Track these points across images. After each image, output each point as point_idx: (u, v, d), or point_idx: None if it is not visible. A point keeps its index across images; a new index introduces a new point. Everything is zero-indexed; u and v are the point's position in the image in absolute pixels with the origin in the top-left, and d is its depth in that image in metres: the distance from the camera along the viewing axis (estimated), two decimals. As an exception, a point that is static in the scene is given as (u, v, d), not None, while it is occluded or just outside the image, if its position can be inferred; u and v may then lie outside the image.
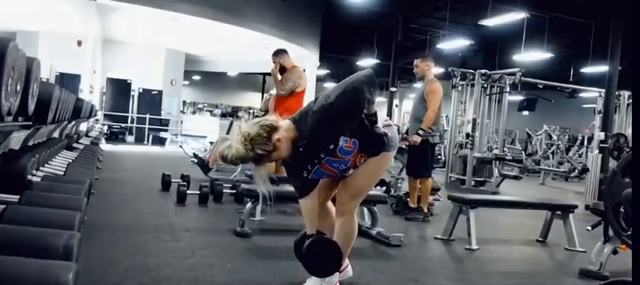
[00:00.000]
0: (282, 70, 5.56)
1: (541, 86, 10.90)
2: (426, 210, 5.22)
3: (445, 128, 14.89)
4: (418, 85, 5.59)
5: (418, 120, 5.20)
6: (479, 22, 14.04)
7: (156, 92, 16.31)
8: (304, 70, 5.80)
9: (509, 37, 15.15)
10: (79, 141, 7.43)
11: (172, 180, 5.73)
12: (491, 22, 13.24)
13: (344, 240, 2.56)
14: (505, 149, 12.71)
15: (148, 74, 16.32)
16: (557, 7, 13.26)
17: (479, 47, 17.78)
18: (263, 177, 2.34)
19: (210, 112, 28.41)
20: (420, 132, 5.08)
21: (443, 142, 8.61)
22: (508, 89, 9.79)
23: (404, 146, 5.39)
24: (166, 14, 12.12)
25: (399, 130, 5.54)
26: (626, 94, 10.33)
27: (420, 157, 5.21)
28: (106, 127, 14.35)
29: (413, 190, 5.29)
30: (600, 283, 3.21)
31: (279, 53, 5.61)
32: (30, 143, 4.19)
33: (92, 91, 12.61)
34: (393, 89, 19.30)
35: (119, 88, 15.78)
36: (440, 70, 17.83)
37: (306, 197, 2.50)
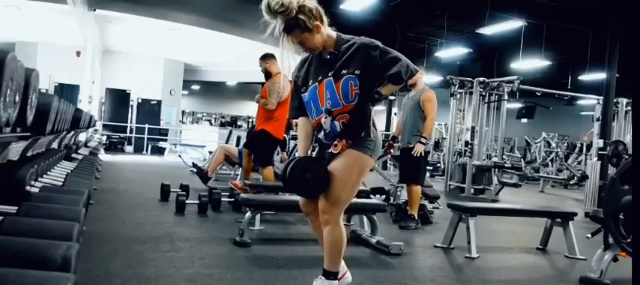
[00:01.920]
0: (267, 75, 5.59)
1: (539, 94, 10.93)
2: (416, 216, 5.20)
3: (443, 136, 14.96)
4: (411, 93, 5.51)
5: (415, 129, 5.19)
6: (477, 31, 14.11)
7: (155, 102, 16.33)
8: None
9: (507, 45, 15.22)
10: (78, 151, 7.42)
11: (171, 190, 5.72)
12: (488, 30, 13.31)
13: (333, 247, 2.53)
14: (504, 157, 12.72)
15: (147, 84, 16.35)
16: (554, 15, 13.32)
17: (477, 55, 17.86)
18: (288, 48, 2.41)
19: (209, 121, 28.44)
20: (423, 140, 5.08)
21: (442, 149, 8.62)
22: (506, 97, 9.82)
23: (397, 154, 5.40)
24: (165, 24, 12.17)
25: (395, 139, 5.50)
26: (624, 101, 10.36)
27: (416, 164, 5.20)
28: (104, 137, 14.35)
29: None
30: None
31: (266, 57, 5.63)
32: (28, 154, 4.19)
33: (91, 102, 12.62)
34: (391, 97, 19.33)
35: (118, 99, 15.79)
36: (438, 78, 17.92)
37: (301, 118, 2.62)
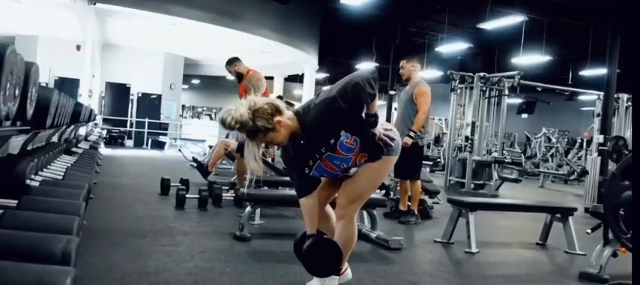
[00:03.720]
0: (239, 76, 5.61)
1: (540, 89, 10.90)
2: (416, 212, 5.21)
3: (444, 131, 14.94)
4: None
5: (408, 122, 5.15)
6: (477, 26, 14.08)
7: (155, 96, 16.32)
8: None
9: (507, 41, 15.19)
10: (78, 145, 7.43)
11: (171, 184, 5.73)
12: (489, 25, 13.28)
13: (344, 244, 2.56)
14: (504, 152, 12.72)
15: (147, 78, 16.34)
16: (555, 10, 13.29)
17: (478, 50, 17.82)
18: (254, 154, 2.34)
19: (210, 116, 28.40)
20: (412, 134, 5.04)
21: (442, 144, 8.59)
22: (507, 92, 9.80)
23: None
24: (165, 19, 12.14)
25: None
26: (624, 96, 10.34)
27: (410, 159, 5.14)
28: (105, 132, 14.35)
29: (404, 192, 5.28)
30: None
31: (231, 62, 5.68)
32: (28, 148, 4.18)
33: (91, 96, 12.61)
34: (392, 92, 19.33)
35: (118, 93, 15.79)
36: (439, 73, 17.88)
37: (306, 196, 2.51)
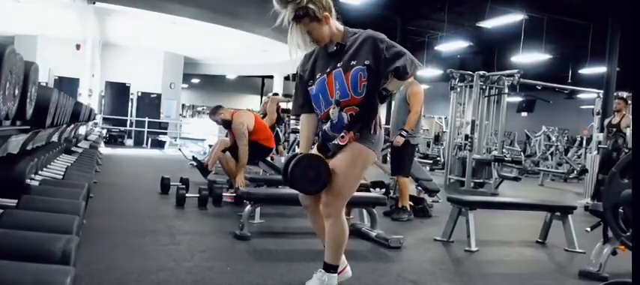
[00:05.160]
0: (226, 123, 5.63)
1: (539, 87, 10.90)
2: (408, 207, 5.24)
3: (444, 130, 14.92)
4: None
5: (400, 122, 5.22)
6: (477, 24, 14.06)
7: (155, 95, 16.31)
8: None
9: (507, 39, 15.17)
10: (78, 145, 7.42)
11: (171, 183, 5.73)
12: (489, 23, 13.27)
13: (335, 241, 2.55)
14: (504, 150, 12.71)
15: (147, 77, 16.33)
16: (555, 8, 13.29)
17: (477, 49, 17.79)
18: (296, 43, 2.42)
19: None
20: (404, 133, 5.09)
21: (442, 143, 8.59)
22: (507, 90, 9.79)
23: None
24: (165, 18, 12.14)
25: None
26: (624, 94, 10.33)
27: (400, 157, 5.24)
28: (104, 131, 14.35)
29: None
30: (600, 284, 3.21)
31: (215, 111, 5.77)
32: (28, 147, 4.18)
33: (91, 95, 12.62)
34: (392, 91, 19.32)
35: (118, 92, 15.79)
36: (439, 71, 17.86)
37: (304, 115, 2.65)
